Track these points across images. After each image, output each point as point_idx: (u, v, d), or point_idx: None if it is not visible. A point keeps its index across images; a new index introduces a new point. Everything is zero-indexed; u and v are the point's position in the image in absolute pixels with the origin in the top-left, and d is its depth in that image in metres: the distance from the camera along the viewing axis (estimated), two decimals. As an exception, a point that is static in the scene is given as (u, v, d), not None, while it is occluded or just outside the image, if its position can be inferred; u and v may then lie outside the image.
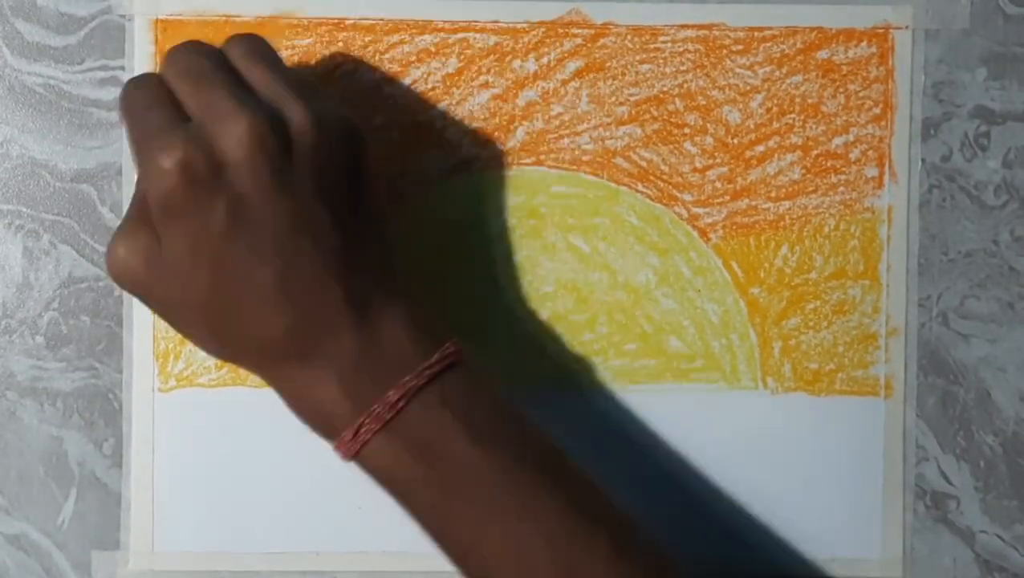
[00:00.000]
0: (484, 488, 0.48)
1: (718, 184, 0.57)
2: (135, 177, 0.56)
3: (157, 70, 0.56)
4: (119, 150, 0.56)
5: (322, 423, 0.49)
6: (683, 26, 0.57)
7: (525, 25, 0.57)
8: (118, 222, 0.56)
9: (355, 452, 0.48)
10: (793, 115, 0.57)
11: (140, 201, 0.48)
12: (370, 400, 0.48)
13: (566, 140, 0.57)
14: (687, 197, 0.57)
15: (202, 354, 0.56)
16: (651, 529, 0.50)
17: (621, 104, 0.57)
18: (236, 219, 0.47)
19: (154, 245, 0.48)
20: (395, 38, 0.56)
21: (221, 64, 0.49)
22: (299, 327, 0.48)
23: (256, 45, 0.50)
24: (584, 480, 0.50)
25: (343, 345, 0.48)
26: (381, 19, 0.56)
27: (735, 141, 0.57)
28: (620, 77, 0.57)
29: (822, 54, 0.57)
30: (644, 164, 0.57)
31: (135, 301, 0.56)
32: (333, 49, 0.56)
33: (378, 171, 0.51)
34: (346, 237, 0.48)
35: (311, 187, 0.48)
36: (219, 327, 0.48)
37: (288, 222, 0.47)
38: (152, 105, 0.48)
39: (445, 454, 0.48)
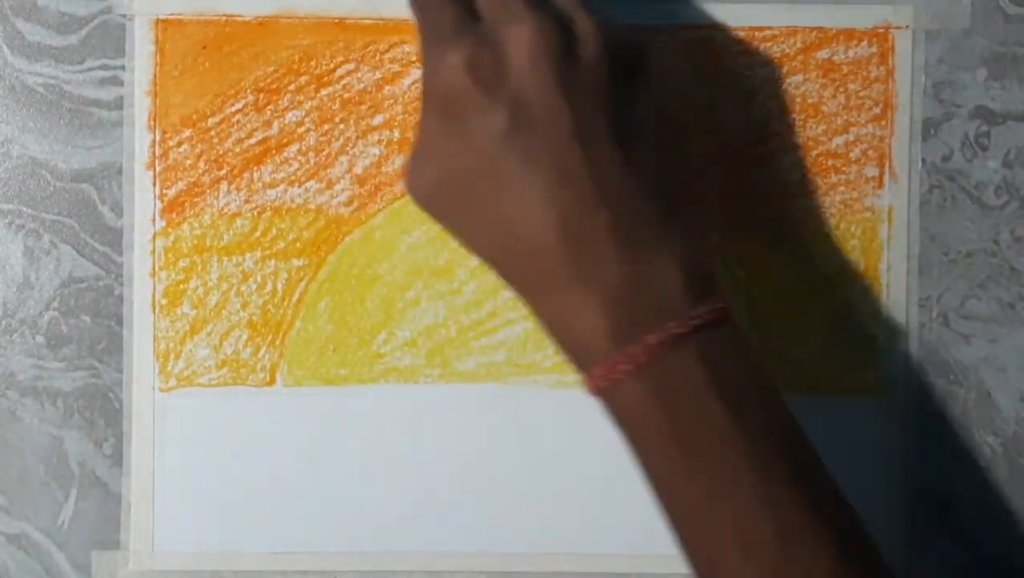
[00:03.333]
0: (727, 455, 0.46)
1: (718, 184, 0.57)
2: (138, 175, 0.56)
3: (157, 70, 0.56)
4: (119, 150, 0.56)
5: (577, 352, 0.47)
6: (683, 26, 0.57)
7: (525, 25, 0.57)
8: (118, 222, 0.56)
9: (603, 388, 0.47)
10: (793, 115, 0.57)
11: (424, 107, 0.48)
12: (630, 338, 0.46)
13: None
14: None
15: (202, 354, 0.56)
16: (869, 531, 0.48)
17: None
18: (516, 122, 0.46)
19: (438, 163, 0.48)
20: (395, 38, 0.57)
21: None
22: (568, 245, 0.46)
23: None
24: (823, 472, 0.48)
25: (610, 274, 0.46)
26: (381, 19, 0.56)
27: (735, 141, 0.57)
28: (620, 77, 0.57)
29: (822, 54, 0.57)
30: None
31: (135, 301, 0.56)
32: (334, 49, 0.56)
33: (663, 98, 0.51)
34: (624, 156, 0.47)
35: (591, 100, 0.47)
36: (491, 236, 0.48)
37: (566, 132, 0.47)
38: (444, 1, 0.48)
39: (695, 411, 0.46)
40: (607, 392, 0.47)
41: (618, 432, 0.47)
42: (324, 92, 0.56)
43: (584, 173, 0.47)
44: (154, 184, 0.56)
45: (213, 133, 0.56)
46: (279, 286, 0.56)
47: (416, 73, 0.57)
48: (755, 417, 0.47)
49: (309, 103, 0.56)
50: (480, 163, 0.47)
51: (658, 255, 0.47)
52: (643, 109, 0.49)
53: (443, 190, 0.48)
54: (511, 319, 0.57)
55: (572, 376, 0.57)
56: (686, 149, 0.56)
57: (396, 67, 0.57)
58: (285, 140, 0.56)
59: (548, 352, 0.57)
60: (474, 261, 0.57)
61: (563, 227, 0.46)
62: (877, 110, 0.57)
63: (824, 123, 0.57)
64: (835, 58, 0.57)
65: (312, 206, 0.56)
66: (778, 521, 0.46)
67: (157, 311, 0.56)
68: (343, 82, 0.57)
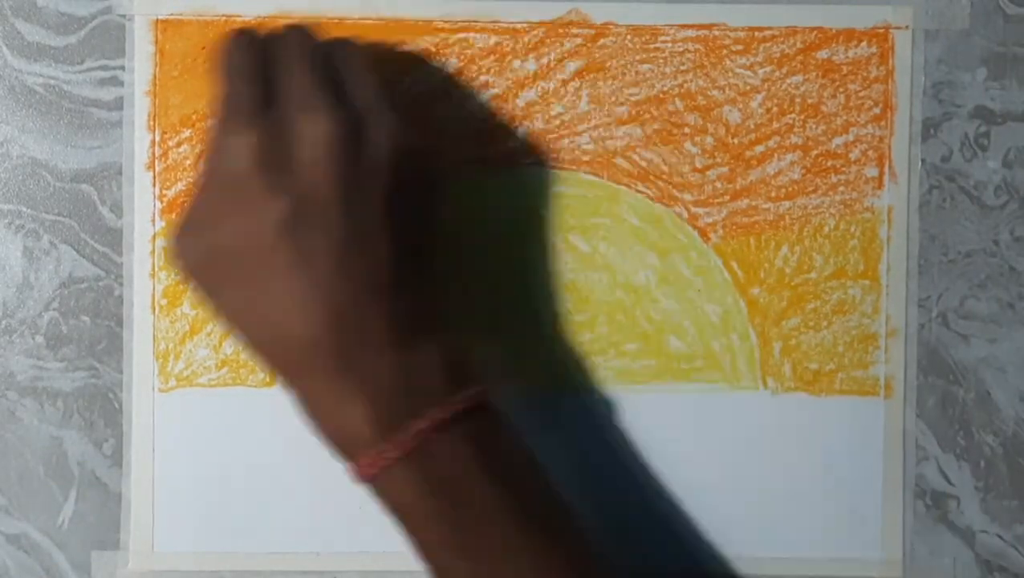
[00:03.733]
0: (499, 529, 0.47)
1: (718, 184, 0.57)
2: (138, 175, 0.56)
3: (157, 71, 0.56)
4: (119, 150, 0.56)
5: (344, 442, 0.48)
6: (683, 26, 0.57)
7: (525, 25, 0.57)
8: (118, 222, 0.56)
9: (372, 476, 0.47)
10: (793, 115, 0.57)
11: (200, 184, 0.48)
12: (395, 426, 0.47)
13: (566, 140, 0.57)
14: (687, 197, 0.57)
15: (202, 354, 0.56)
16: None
17: (621, 104, 0.57)
18: (296, 214, 0.47)
19: (209, 238, 0.48)
20: (395, 38, 0.56)
21: (320, 57, 0.49)
22: (336, 338, 0.47)
23: (355, 47, 0.51)
24: (591, 539, 0.50)
25: (378, 365, 0.47)
26: (381, 19, 0.56)
27: (735, 141, 0.57)
28: (620, 77, 0.57)
29: (822, 54, 0.57)
30: (644, 164, 0.57)
31: (135, 301, 0.56)
32: (333, 49, 0.56)
33: (444, 199, 0.51)
34: (399, 258, 0.48)
35: (376, 200, 0.48)
36: (259, 323, 0.48)
37: (348, 231, 0.47)
38: (245, 77, 0.48)
39: (463, 491, 0.47)
40: (376, 479, 0.47)
41: (389, 517, 0.48)
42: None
43: (360, 271, 0.47)
44: (154, 184, 0.56)
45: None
46: (279, 286, 0.56)
47: (415, 73, 0.57)
48: (523, 490, 0.48)
49: (309, 103, 0.56)
50: (254, 248, 0.47)
51: (421, 349, 0.48)
52: (425, 211, 0.50)
53: (211, 264, 0.48)
54: (510, 319, 0.57)
55: (572, 376, 0.57)
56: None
57: (396, 67, 0.57)
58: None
59: (547, 353, 0.57)
60: (474, 263, 0.57)
61: (332, 321, 0.47)
62: (877, 110, 0.57)
63: (824, 123, 0.57)
64: (835, 58, 0.57)
65: (312, 206, 0.56)
66: None
67: (157, 311, 0.56)
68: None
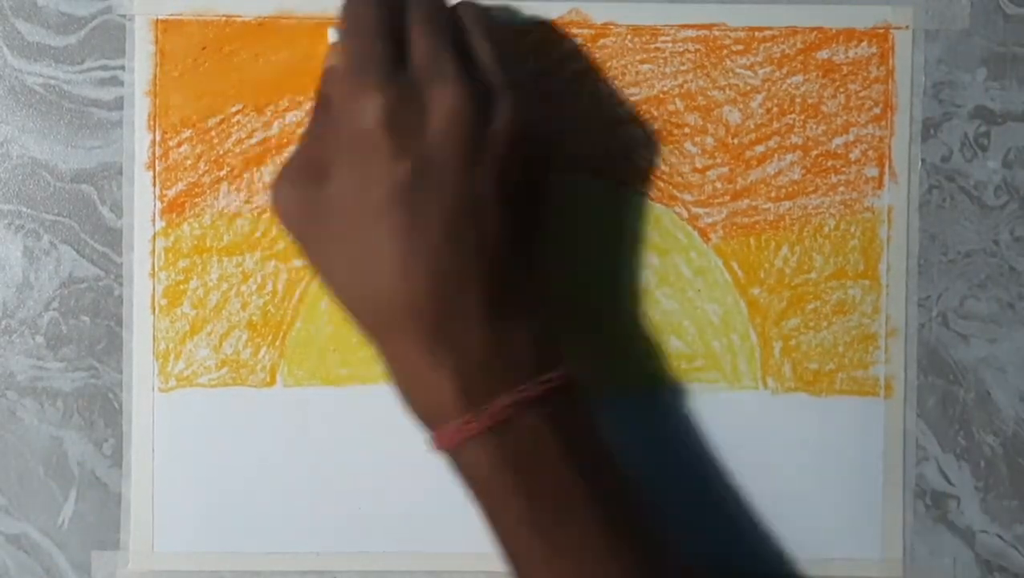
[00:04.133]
0: (573, 510, 0.48)
1: (718, 184, 0.57)
2: (138, 176, 0.56)
3: (157, 71, 0.56)
4: (119, 150, 0.56)
5: (428, 409, 0.48)
6: (683, 26, 0.57)
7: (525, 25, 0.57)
8: (118, 222, 0.56)
9: (453, 447, 0.47)
10: (793, 115, 0.57)
11: (313, 135, 0.49)
12: (481, 400, 0.47)
13: (565, 140, 0.57)
14: (687, 197, 0.57)
15: (202, 354, 0.56)
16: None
17: (621, 104, 0.57)
18: (416, 179, 0.47)
19: (316, 190, 0.48)
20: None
21: (454, 23, 0.50)
22: (432, 307, 0.47)
23: (487, 17, 0.51)
24: (662, 535, 0.50)
25: (471, 337, 0.47)
26: (381, 19, 0.56)
27: (735, 141, 0.57)
28: (620, 77, 0.57)
29: (822, 54, 0.57)
30: (644, 164, 0.57)
31: (135, 301, 0.56)
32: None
33: (551, 186, 0.52)
34: (506, 236, 0.48)
35: (493, 177, 0.48)
36: (358, 282, 0.48)
37: (460, 203, 0.47)
38: (380, 31, 0.48)
39: (541, 471, 0.47)
40: (456, 450, 0.48)
41: (464, 488, 0.49)
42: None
43: (466, 243, 0.48)
44: (154, 184, 0.56)
45: (213, 133, 0.56)
46: (279, 286, 0.56)
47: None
48: (598, 476, 0.48)
49: (309, 103, 0.56)
50: (368, 206, 0.47)
51: (516, 325, 0.48)
52: (537, 190, 0.50)
53: (317, 215, 0.48)
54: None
55: (572, 376, 0.57)
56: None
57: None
58: (285, 140, 0.56)
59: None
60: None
61: (433, 289, 0.47)
62: (877, 110, 0.57)
63: (824, 123, 0.57)
64: (835, 58, 0.57)
65: (312, 206, 0.56)
66: (621, 572, 0.47)
67: (157, 311, 0.56)
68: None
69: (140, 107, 0.56)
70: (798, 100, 0.57)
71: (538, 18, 0.56)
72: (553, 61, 0.57)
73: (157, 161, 0.56)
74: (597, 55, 0.57)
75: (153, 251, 0.56)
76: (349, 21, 0.49)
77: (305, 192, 0.48)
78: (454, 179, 0.47)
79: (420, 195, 0.47)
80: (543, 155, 0.51)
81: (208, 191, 0.56)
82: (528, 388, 0.47)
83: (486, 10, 0.52)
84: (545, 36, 0.56)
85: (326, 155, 0.48)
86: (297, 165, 0.49)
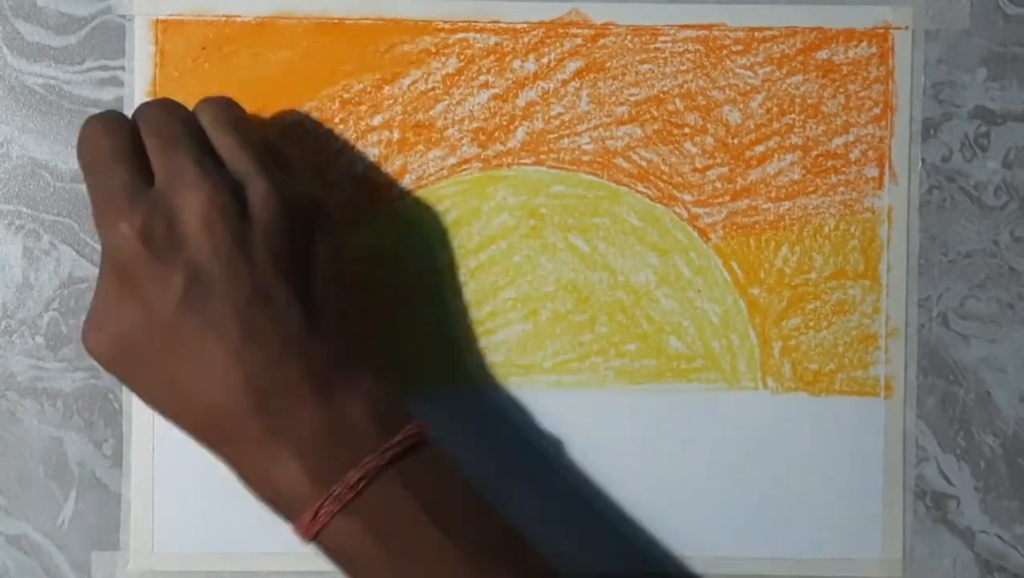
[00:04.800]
0: (447, 571, 0.47)
1: (718, 184, 0.57)
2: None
3: (157, 71, 0.56)
4: (119, 150, 0.56)
5: (281, 503, 0.48)
6: (683, 26, 0.57)
7: (525, 25, 0.57)
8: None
9: (315, 533, 0.47)
10: (793, 115, 0.57)
11: (99, 274, 0.48)
12: (330, 480, 0.46)
13: (566, 140, 0.57)
14: (687, 197, 0.57)
15: (202, 354, 0.56)
16: None
17: (621, 104, 0.57)
18: (193, 289, 0.47)
19: (115, 328, 0.48)
20: (395, 38, 0.56)
21: (191, 128, 0.49)
22: (257, 401, 0.47)
23: (227, 111, 0.51)
24: (543, 565, 0.49)
25: (303, 421, 0.47)
26: (380, 19, 0.56)
27: (735, 141, 0.57)
28: (620, 77, 0.57)
29: (822, 54, 0.57)
30: (644, 164, 0.57)
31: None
32: (333, 49, 0.56)
33: (340, 246, 0.51)
34: (305, 310, 0.48)
35: (270, 260, 0.48)
36: (180, 400, 0.48)
37: (245, 294, 0.47)
38: (116, 160, 0.48)
39: (406, 537, 0.47)
40: (321, 537, 0.47)
41: (336, 567, 0.48)
42: (324, 93, 0.56)
43: (268, 331, 0.47)
44: (154, 184, 0.56)
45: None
46: (279, 286, 0.56)
47: (416, 73, 0.57)
48: (468, 530, 0.48)
49: (309, 103, 0.56)
50: (157, 329, 0.47)
51: (346, 397, 0.48)
52: (323, 260, 0.50)
53: (123, 353, 0.48)
54: (510, 320, 0.57)
55: (572, 376, 0.57)
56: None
57: (396, 67, 0.57)
58: (285, 140, 0.56)
59: (548, 352, 0.57)
60: (473, 262, 0.57)
61: (250, 385, 0.47)
62: (877, 110, 0.57)
63: (824, 123, 0.57)
64: (835, 58, 0.57)
65: (312, 206, 0.56)
66: None
67: (157, 311, 0.56)
68: (342, 82, 0.57)
69: (140, 107, 0.56)
70: (798, 100, 0.57)
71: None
72: (553, 62, 0.57)
73: (157, 161, 0.56)
74: (597, 55, 0.57)
75: (153, 251, 0.56)
76: (85, 158, 0.49)
77: (105, 334, 0.48)
78: (229, 273, 0.47)
79: (203, 301, 0.47)
80: (318, 217, 0.50)
81: (208, 191, 0.56)
82: (372, 458, 0.47)
83: (227, 104, 0.51)
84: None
85: (110, 293, 0.48)
86: (93, 309, 0.48)
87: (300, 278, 0.48)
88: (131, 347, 0.48)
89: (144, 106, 0.50)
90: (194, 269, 0.47)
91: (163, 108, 0.50)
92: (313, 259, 0.49)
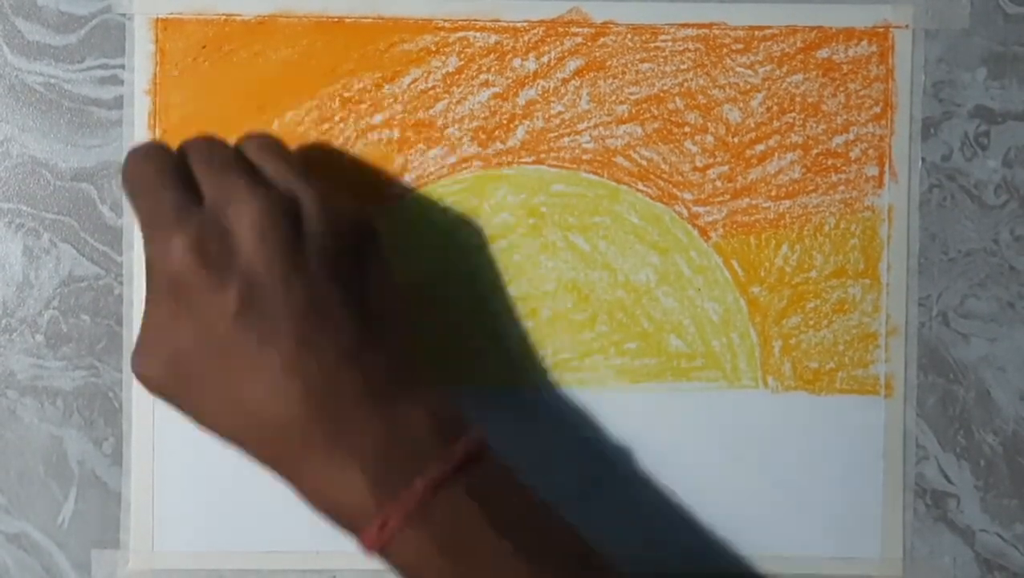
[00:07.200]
0: None
1: (718, 183, 0.57)
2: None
3: (157, 70, 0.56)
4: (119, 149, 0.56)
5: (345, 516, 0.47)
6: (683, 25, 0.57)
7: (525, 24, 0.57)
8: (119, 221, 0.56)
9: (382, 545, 0.46)
10: (793, 114, 0.57)
11: (148, 302, 0.48)
12: (394, 491, 0.46)
13: (566, 139, 0.57)
14: (687, 196, 0.57)
15: (202, 353, 0.56)
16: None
17: (621, 103, 0.57)
18: (248, 302, 0.46)
19: (169, 351, 0.47)
20: (395, 37, 0.57)
21: (239, 154, 0.50)
22: (316, 412, 0.46)
23: (269, 141, 0.51)
24: (607, 569, 0.49)
25: (364, 432, 0.46)
26: (381, 18, 0.57)
27: (735, 140, 0.57)
28: (620, 76, 0.57)
29: (822, 53, 0.57)
30: (644, 163, 0.57)
31: (135, 300, 0.56)
32: (333, 48, 0.56)
33: (391, 260, 0.51)
34: (361, 321, 0.48)
35: (323, 271, 0.47)
36: (238, 418, 0.47)
37: (300, 305, 0.47)
38: (164, 184, 0.48)
39: (473, 545, 0.46)
40: (384, 549, 0.46)
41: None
42: (324, 91, 0.56)
43: (324, 341, 0.47)
44: (154, 183, 0.56)
45: (213, 132, 0.56)
46: (279, 285, 0.56)
47: (416, 71, 0.57)
48: (532, 537, 0.47)
49: (309, 102, 0.56)
50: (213, 344, 0.47)
51: (406, 406, 0.47)
52: (374, 274, 0.49)
53: (177, 373, 0.47)
54: (511, 319, 0.57)
55: (573, 376, 0.57)
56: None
57: (396, 66, 0.57)
58: (285, 140, 0.56)
59: (548, 352, 0.57)
60: (473, 261, 0.57)
61: (309, 396, 0.46)
62: (877, 109, 0.57)
63: (824, 122, 0.57)
64: (835, 57, 0.57)
65: (312, 205, 0.56)
66: None
67: (157, 310, 0.56)
68: (343, 81, 0.57)
69: (140, 106, 0.56)
70: (798, 99, 0.57)
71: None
72: (553, 61, 0.57)
73: (157, 160, 0.56)
74: (597, 54, 0.57)
75: (153, 250, 0.56)
76: (131, 184, 0.49)
77: (158, 356, 0.48)
78: (283, 286, 0.47)
79: (258, 315, 0.46)
80: (368, 234, 0.50)
81: (208, 190, 0.56)
82: (437, 467, 0.46)
83: (270, 136, 0.51)
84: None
85: (161, 312, 0.47)
86: (143, 334, 0.48)
87: (354, 288, 0.48)
88: (185, 365, 0.47)
89: (191, 139, 0.50)
90: (249, 281, 0.46)
91: (211, 139, 0.50)
92: (366, 272, 0.49)
